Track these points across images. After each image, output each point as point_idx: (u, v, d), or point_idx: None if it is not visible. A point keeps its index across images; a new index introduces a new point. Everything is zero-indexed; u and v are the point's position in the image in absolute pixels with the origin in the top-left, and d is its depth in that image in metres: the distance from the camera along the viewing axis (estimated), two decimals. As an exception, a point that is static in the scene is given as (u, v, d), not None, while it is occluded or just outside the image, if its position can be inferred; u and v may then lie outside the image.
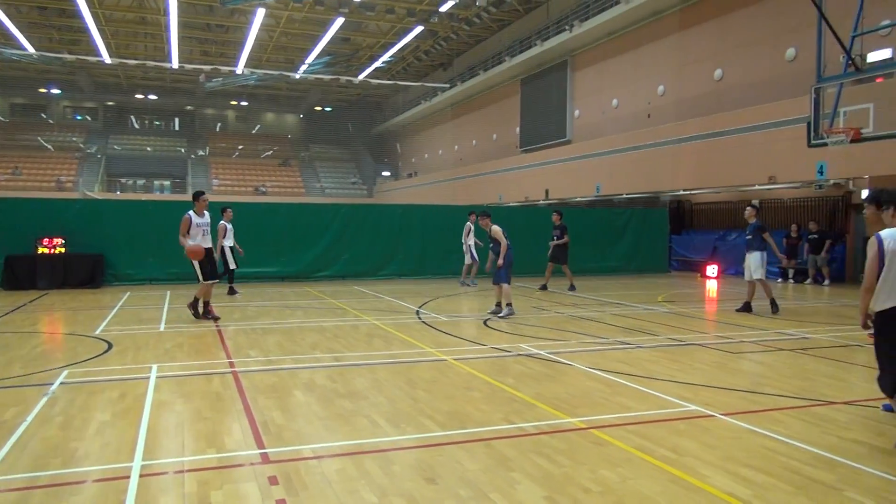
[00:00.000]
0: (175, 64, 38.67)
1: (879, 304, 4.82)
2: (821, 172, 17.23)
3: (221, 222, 14.14)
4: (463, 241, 16.85)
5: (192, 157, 54.85)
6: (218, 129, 60.54)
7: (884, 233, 4.90)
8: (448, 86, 41.79)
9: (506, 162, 34.46)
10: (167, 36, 36.28)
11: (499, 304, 11.35)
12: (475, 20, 35.01)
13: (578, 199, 28.30)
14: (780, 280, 19.47)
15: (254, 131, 61.63)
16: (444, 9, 33.48)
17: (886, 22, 14.20)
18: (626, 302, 13.78)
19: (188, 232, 10.27)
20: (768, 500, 3.77)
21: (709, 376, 6.82)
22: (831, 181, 18.61)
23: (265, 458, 4.41)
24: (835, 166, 16.71)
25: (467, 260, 16.81)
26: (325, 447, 4.63)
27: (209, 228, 10.65)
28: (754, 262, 11.82)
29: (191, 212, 10.36)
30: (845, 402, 5.91)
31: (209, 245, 10.56)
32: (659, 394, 6.15)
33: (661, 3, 24.81)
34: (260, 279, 17.55)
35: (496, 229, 11.19)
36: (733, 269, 20.91)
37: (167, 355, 7.81)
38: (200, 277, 10.48)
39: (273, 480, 4.02)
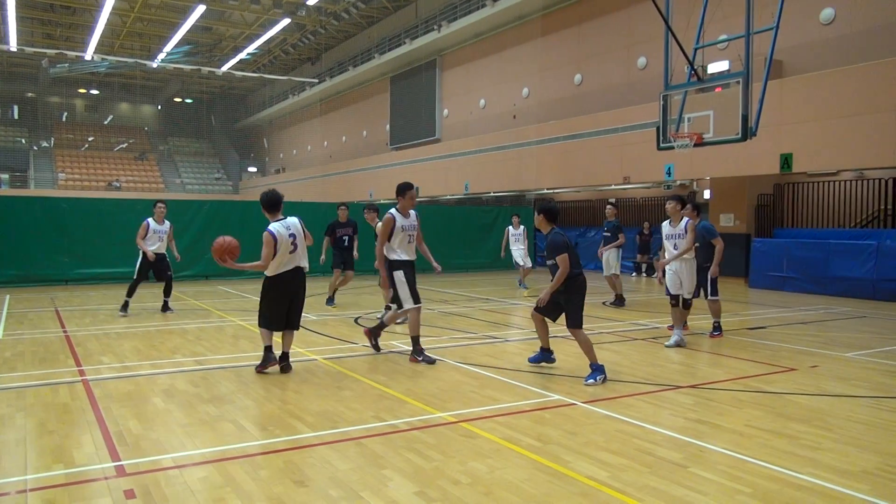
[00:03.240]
0: (13, 46, 35.26)
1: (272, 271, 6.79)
2: (669, 174, 18.57)
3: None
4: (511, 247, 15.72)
5: (35, 148, 50.31)
6: (64, 118, 55.94)
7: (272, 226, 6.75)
8: (316, 81, 41.08)
9: (376, 159, 34.42)
10: (3, 15, 33.06)
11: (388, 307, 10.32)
12: (344, 15, 34.66)
13: (448, 197, 28.77)
14: (633, 274, 20.80)
15: (106, 122, 57.55)
16: (311, 2, 32.87)
17: (724, 37, 15.50)
18: (494, 297, 14.19)
19: (390, 238, 7.36)
20: (623, 480, 4.02)
21: (571, 367, 7.17)
22: (678, 182, 20.15)
23: (121, 471, 4.14)
24: (681, 168, 18.08)
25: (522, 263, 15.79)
26: (188, 455, 4.42)
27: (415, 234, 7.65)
28: (613, 258, 12.61)
29: (393, 210, 7.45)
30: (691, 386, 6.41)
31: (413, 256, 7.60)
32: (525, 385, 6.38)
33: (525, 9, 25.73)
34: (113, 280, 16.44)
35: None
36: (592, 264, 22.05)
37: (6, 365, 7.14)
38: (409, 301, 7.46)
39: (129, 494, 3.78)
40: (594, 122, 21.21)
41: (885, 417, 5.41)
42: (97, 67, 43.96)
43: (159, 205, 11.32)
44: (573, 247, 6.60)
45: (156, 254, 10.93)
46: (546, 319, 6.90)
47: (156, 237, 11.06)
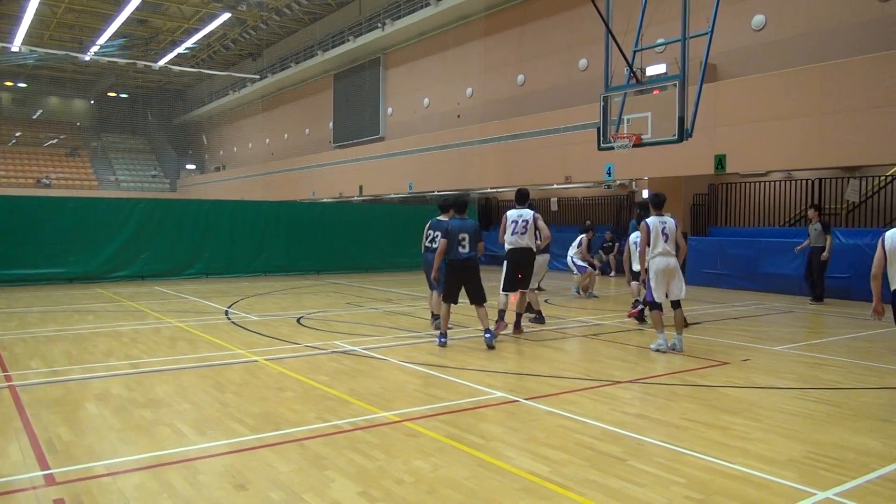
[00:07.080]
0: (-68, 36, 33.50)
1: None
2: (609, 174, 18.95)
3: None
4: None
5: (-43, 143, 47.95)
6: (-11, 112, 53.40)
7: None
8: (258, 77, 40.32)
9: (319, 157, 34.03)
10: (-79, 2, 31.37)
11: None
12: (286, 11, 34.13)
13: (392, 196, 28.68)
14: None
15: (35, 116, 55.11)
16: (252, -3, 32.25)
17: (661, 40, 15.91)
18: (438, 296, 14.20)
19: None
20: (564, 474, 4.09)
21: (514, 364, 7.25)
22: (618, 182, 20.57)
23: (50, 480, 3.98)
24: (620, 168, 18.47)
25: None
26: (122, 462, 4.28)
27: None
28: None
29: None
30: (630, 381, 6.56)
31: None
32: (468, 383, 6.42)
33: (468, 9, 25.84)
34: (43, 281, 15.79)
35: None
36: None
37: (-75, 371, 6.78)
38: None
39: (60, 503, 3.65)
40: (537, 122, 21.46)
41: (811, 407, 5.66)
42: (25, 60, 42.08)
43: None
44: (450, 232, 8.06)
45: None
46: (450, 305, 8.31)
47: None
